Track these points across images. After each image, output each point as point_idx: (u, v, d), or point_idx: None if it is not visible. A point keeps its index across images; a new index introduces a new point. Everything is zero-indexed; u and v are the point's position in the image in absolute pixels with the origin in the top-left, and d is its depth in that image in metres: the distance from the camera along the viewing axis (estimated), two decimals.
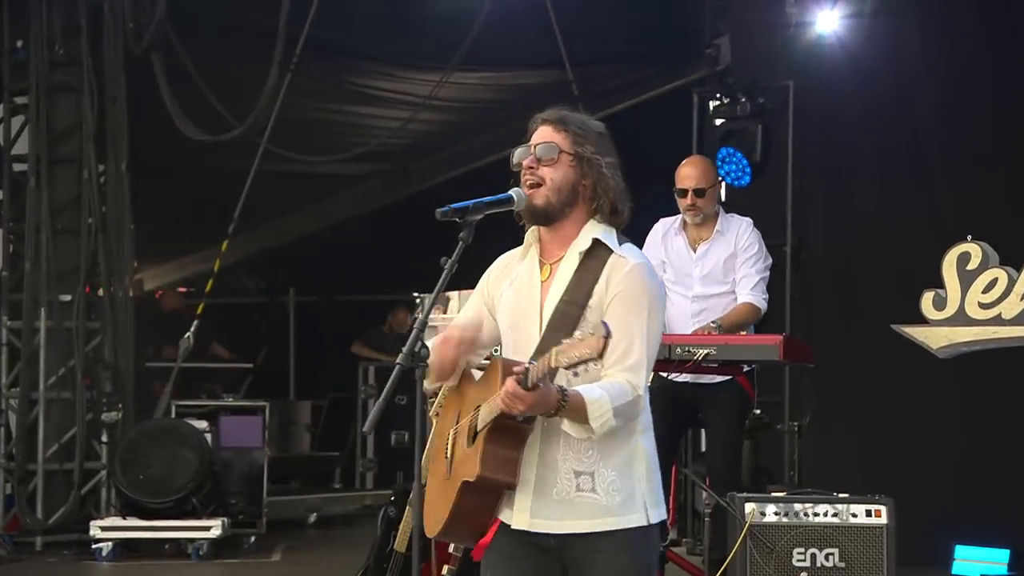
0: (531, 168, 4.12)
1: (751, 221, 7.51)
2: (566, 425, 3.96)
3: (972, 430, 8.99)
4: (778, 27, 9.88)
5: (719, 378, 7.24)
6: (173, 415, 10.94)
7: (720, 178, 8.12)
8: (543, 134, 4.15)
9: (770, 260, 7.51)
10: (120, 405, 10.58)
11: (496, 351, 4.37)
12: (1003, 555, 8.43)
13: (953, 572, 8.53)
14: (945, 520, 8.65)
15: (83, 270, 10.61)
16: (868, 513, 6.43)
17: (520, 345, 4.09)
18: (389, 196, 14.40)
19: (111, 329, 10.65)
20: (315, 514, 12.30)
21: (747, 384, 7.32)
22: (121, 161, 10.65)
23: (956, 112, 9.24)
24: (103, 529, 10.08)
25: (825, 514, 6.42)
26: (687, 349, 6.79)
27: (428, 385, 4.26)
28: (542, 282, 4.13)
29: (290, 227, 15.23)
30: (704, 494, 7.86)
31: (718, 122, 9.90)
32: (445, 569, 6.88)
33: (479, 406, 4.03)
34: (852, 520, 6.42)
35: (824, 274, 9.90)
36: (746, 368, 7.26)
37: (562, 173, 4.10)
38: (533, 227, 4.19)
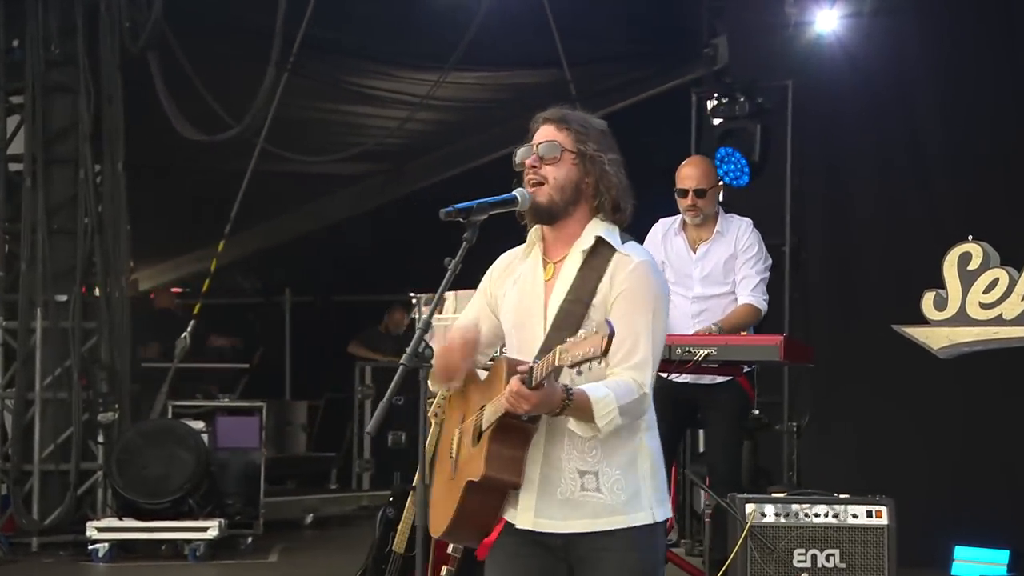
0: (534, 167, 4.11)
1: (751, 222, 7.50)
2: (572, 424, 3.95)
3: (971, 430, 8.98)
4: (777, 27, 9.87)
5: (719, 379, 7.23)
6: (170, 415, 10.91)
7: (719, 178, 8.08)
8: (545, 133, 4.15)
9: (770, 261, 7.50)
10: (116, 405, 10.55)
11: (500, 351, 4.35)
12: (1002, 556, 8.42)
13: (952, 573, 8.51)
14: (944, 520, 8.64)
15: (79, 270, 10.59)
16: (869, 514, 6.43)
17: (524, 345, 4.08)
18: (385, 196, 14.40)
19: (107, 329, 10.62)
20: (312, 515, 12.28)
21: (747, 385, 7.32)
22: (117, 161, 10.62)
23: (956, 112, 9.22)
24: (99, 530, 10.05)
25: (826, 515, 6.42)
26: (687, 349, 6.77)
27: (432, 387, 4.23)
28: (546, 281, 4.13)
29: (286, 227, 15.22)
30: (703, 494, 7.85)
31: (716, 122, 9.89)
32: (444, 570, 6.87)
33: (484, 406, 4.03)
34: (853, 521, 6.42)
35: (823, 274, 9.89)
36: (746, 369, 7.25)
37: (565, 171, 4.10)
38: (536, 226, 4.18)
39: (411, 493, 7.29)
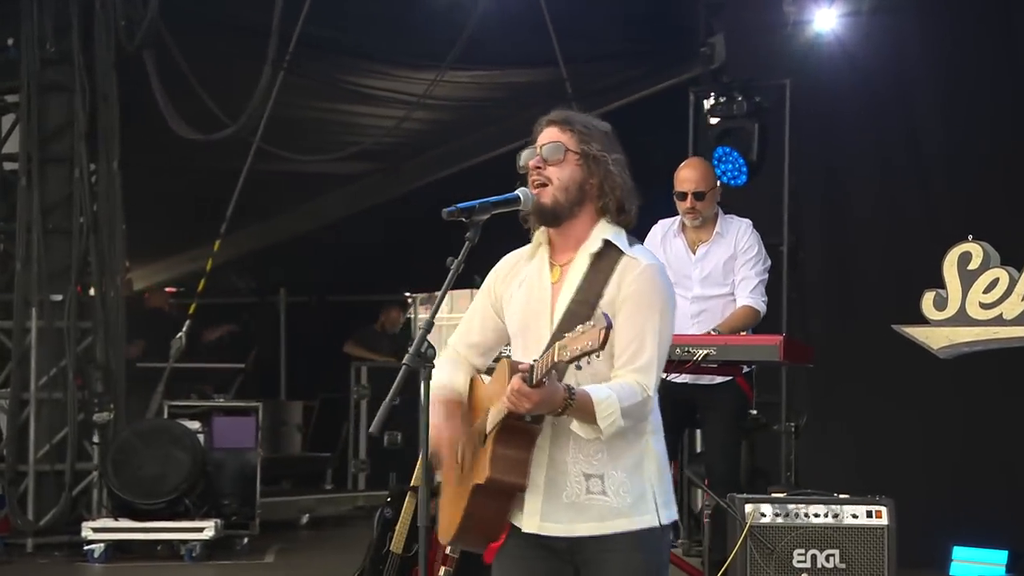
0: (538, 168, 4.10)
1: (751, 223, 7.50)
2: (575, 425, 3.94)
3: (969, 430, 8.96)
4: (775, 25, 9.86)
5: (718, 379, 7.22)
6: (165, 415, 10.88)
7: (718, 180, 8.06)
8: (549, 134, 4.14)
9: (769, 262, 7.51)
10: (112, 405, 10.52)
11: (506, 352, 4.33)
12: (1001, 556, 8.40)
13: (950, 573, 8.50)
14: (943, 521, 8.62)
15: (74, 270, 10.56)
16: (869, 514, 6.43)
17: (530, 347, 4.05)
18: (381, 195, 14.36)
19: (102, 329, 10.59)
20: (308, 515, 12.25)
21: (745, 385, 7.32)
22: (113, 160, 10.59)
23: (955, 111, 9.21)
24: (95, 530, 10.02)
25: (825, 515, 6.42)
26: (687, 350, 6.75)
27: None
28: (552, 283, 4.11)
29: (281, 226, 15.18)
30: (700, 495, 7.84)
31: (714, 121, 9.87)
32: (442, 571, 6.87)
33: (488, 409, 4.02)
34: (853, 521, 6.41)
35: (821, 274, 9.87)
36: (745, 369, 7.24)
37: (569, 172, 4.09)
38: (542, 228, 4.16)
39: (409, 494, 7.29)
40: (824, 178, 9.90)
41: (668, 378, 6.92)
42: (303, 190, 14.04)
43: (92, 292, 10.69)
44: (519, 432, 3.94)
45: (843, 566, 6.37)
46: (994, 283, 6.67)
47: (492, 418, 3.97)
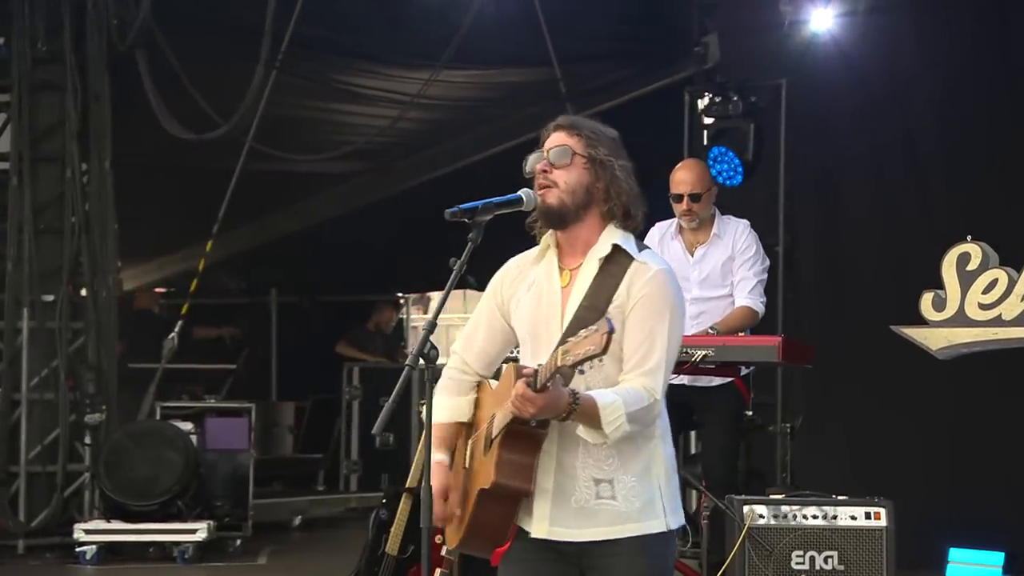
0: (544, 172, 4.11)
1: (748, 223, 7.50)
2: (580, 430, 3.95)
3: (966, 431, 8.95)
4: (771, 25, 9.85)
5: (716, 381, 7.23)
6: (157, 417, 10.84)
7: (714, 181, 8.02)
8: (556, 139, 4.16)
9: (768, 262, 7.52)
10: (104, 407, 10.48)
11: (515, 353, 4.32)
12: (997, 557, 8.37)
13: (947, 575, 8.47)
14: (940, 522, 8.59)
15: (66, 270, 10.53)
16: (867, 516, 6.45)
17: (540, 351, 4.05)
18: (372, 195, 14.33)
19: (94, 330, 10.55)
20: (300, 517, 12.22)
21: (743, 386, 7.31)
22: (105, 159, 10.57)
23: (952, 111, 9.20)
24: (87, 532, 9.98)
25: (824, 517, 6.42)
26: (685, 350, 6.71)
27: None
28: (562, 288, 4.11)
29: (272, 226, 15.15)
30: (695, 497, 7.82)
31: (709, 121, 9.86)
32: (438, 572, 6.84)
33: (494, 414, 4.02)
34: (851, 523, 6.41)
35: (816, 274, 9.86)
36: (743, 371, 7.22)
37: (576, 175, 4.10)
38: (549, 231, 4.17)
39: (404, 495, 7.27)
40: (820, 178, 9.89)
41: None
42: (296, 190, 14.01)
43: (84, 292, 10.64)
44: (524, 437, 3.93)
45: (841, 568, 6.39)
46: (993, 284, 6.66)
47: (498, 423, 3.96)
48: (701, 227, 7.44)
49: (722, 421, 7.29)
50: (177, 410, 11.02)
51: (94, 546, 9.93)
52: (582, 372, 3.81)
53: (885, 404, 9.21)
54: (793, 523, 6.39)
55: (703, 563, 7.00)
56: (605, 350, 3.63)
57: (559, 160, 4.10)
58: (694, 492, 7.75)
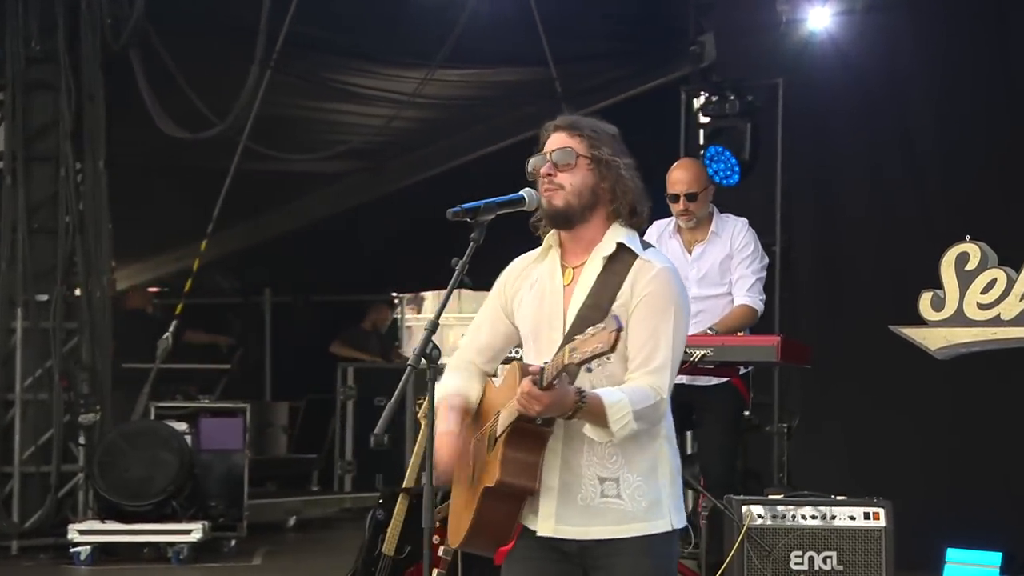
0: (549, 175, 4.10)
1: (746, 221, 7.49)
2: (587, 429, 3.94)
3: (964, 431, 8.94)
4: (767, 24, 9.85)
5: (715, 380, 7.21)
6: (152, 417, 10.81)
7: (710, 180, 8.01)
8: (558, 140, 4.14)
9: (766, 260, 7.51)
10: (98, 407, 10.45)
11: (518, 354, 4.31)
12: (995, 558, 8.35)
13: (944, 575, 8.46)
14: (937, 522, 8.57)
15: (60, 270, 10.50)
16: (866, 516, 6.44)
17: (543, 350, 4.05)
18: (367, 195, 14.30)
19: (88, 330, 10.52)
20: (294, 517, 12.19)
21: (742, 386, 7.30)
22: (99, 159, 10.55)
23: (949, 110, 9.19)
24: (81, 532, 9.95)
25: (823, 517, 6.41)
26: (684, 350, 6.68)
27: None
28: (565, 286, 4.11)
29: (266, 226, 15.11)
30: (692, 497, 7.80)
31: (705, 120, 9.87)
32: (435, 573, 6.85)
33: (499, 412, 4.00)
34: (850, 523, 6.41)
35: (813, 274, 9.86)
36: (743, 370, 7.20)
37: (580, 177, 4.09)
38: (552, 230, 4.17)
39: (400, 496, 7.25)
40: (817, 177, 9.88)
41: None
42: (290, 189, 13.98)
43: (78, 292, 10.61)
44: (530, 435, 3.93)
45: (840, 568, 6.39)
46: (992, 283, 6.65)
47: (503, 421, 3.95)
48: (699, 225, 7.43)
49: (721, 421, 7.28)
50: (172, 410, 11.01)
51: (88, 547, 9.90)
52: (589, 370, 3.81)
53: (882, 404, 9.20)
54: (792, 523, 6.39)
55: (701, 563, 6.99)
56: (613, 348, 3.63)
57: (562, 161, 4.09)
58: (691, 492, 7.73)
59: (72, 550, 9.90)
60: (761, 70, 9.76)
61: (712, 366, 6.87)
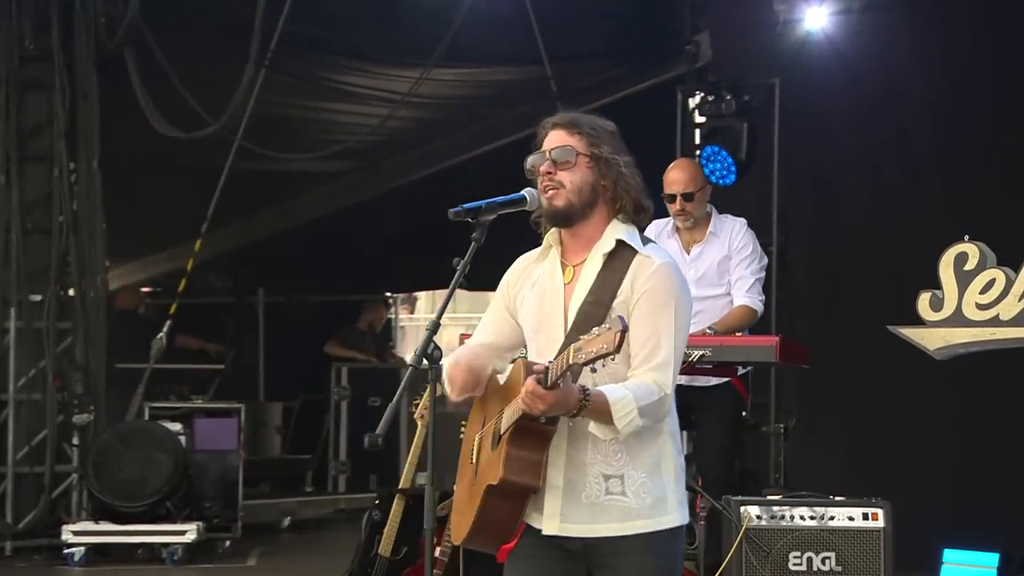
0: (548, 174, 4.08)
1: (745, 222, 7.49)
2: (592, 426, 3.94)
3: (962, 431, 8.92)
4: (764, 24, 9.85)
5: (714, 381, 7.21)
6: (146, 417, 10.78)
7: (707, 179, 7.99)
8: (556, 138, 4.12)
9: (765, 260, 7.51)
10: (92, 407, 10.41)
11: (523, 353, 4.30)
12: (992, 559, 8.34)
13: None
14: (934, 523, 8.57)
15: (54, 269, 10.46)
16: (865, 516, 6.44)
17: (545, 348, 4.05)
18: (361, 194, 14.28)
19: (82, 330, 10.48)
20: (289, 518, 12.17)
21: (741, 387, 7.30)
22: (93, 158, 10.51)
23: (947, 109, 9.18)
24: (75, 533, 9.90)
25: (821, 517, 6.42)
26: None
27: (453, 398, 4.19)
28: (565, 284, 4.11)
29: (259, 225, 15.08)
30: (690, 497, 7.79)
31: (701, 119, 9.87)
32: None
33: (503, 410, 4.00)
34: (849, 524, 6.41)
35: (810, 274, 9.85)
36: (741, 371, 7.19)
37: (580, 175, 4.08)
38: (553, 229, 4.16)
39: (397, 496, 7.24)
40: (814, 177, 9.88)
41: None
42: (284, 189, 13.95)
43: (72, 292, 10.57)
44: (533, 433, 3.93)
45: (839, 569, 6.39)
46: (991, 284, 6.64)
47: (507, 419, 3.95)
48: (697, 226, 7.42)
49: (720, 421, 7.27)
50: (166, 411, 10.97)
51: (82, 548, 9.86)
52: (594, 371, 3.80)
53: (879, 404, 9.19)
54: (790, 524, 6.39)
55: (700, 564, 6.98)
56: (618, 349, 3.63)
57: (562, 159, 4.07)
58: (689, 493, 7.70)
59: (66, 551, 9.86)
60: (758, 69, 9.76)
61: (710, 366, 6.85)
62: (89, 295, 10.54)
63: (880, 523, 6.39)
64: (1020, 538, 8.15)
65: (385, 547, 7.18)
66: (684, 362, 6.55)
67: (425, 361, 3.99)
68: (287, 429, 14.75)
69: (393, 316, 15.28)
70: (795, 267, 9.74)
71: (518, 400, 3.83)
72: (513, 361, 4.20)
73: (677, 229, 7.46)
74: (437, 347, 3.99)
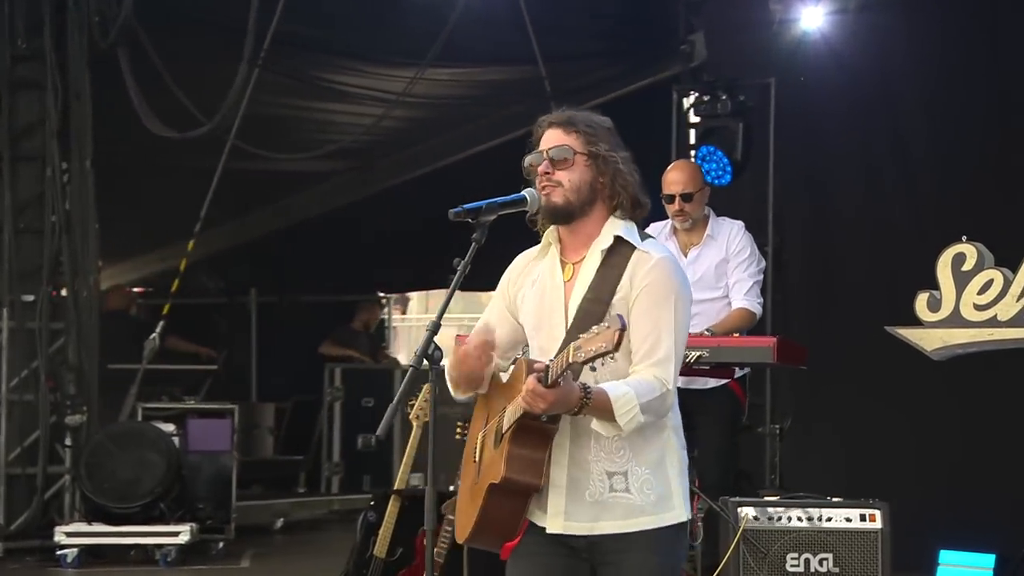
0: (547, 173, 4.08)
1: (743, 224, 7.49)
2: (594, 424, 3.94)
3: (957, 432, 8.92)
4: (760, 24, 9.86)
5: (711, 383, 7.19)
6: (139, 418, 10.75)
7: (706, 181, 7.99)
8: (553, 137, 4.12)
9: (763, 263, 7.51)
10: (84, 408, 10.38)
11: (525, 352, 4.29)
12: (988, 560, 8.33)
13: None
14: (931, 524, 8.57)
15: (46, 270, 10.41)
16: (862, 518, 6.43)
17: (546, 346, 4.06)
18: (354, 194, 14.25)
19: (75, 330, 10.45)
20: (282, 519, 12.13)
21: (739, 390, 7.28)
22: (85, 158, 10.46)
23: (943, 110, 9.18)
24: (68, 535, 9.86)
25: (819, 519, 6.41)
26: None
27: (456, 396, 4.18)
28: (565, 282, 4.11)
29: (252, 225, 15.05)
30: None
31: (696, 119, 9.86)
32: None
33: (505, 408, 4.00)
34: (846, 525, 6.40)
35: (807, 275, 9.86)
36: (738, 373, 7.17)
37: (579, 174, 4.08)
38: (552, 227, 4.16)
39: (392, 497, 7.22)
40: (809, 178, 9.88)
41: None
42: (278, 189, 13.92)
43: (64, 293, 10.54)
44: (535, 432, 3.93)
45: (836, 570, 6.39)
46: (988, 284, 6.64)
47: (508, 418, 3.95)
48: (695, 228, 7.41)
49: (718, 424, 7.26)
50: (159, 411, 10.93)
51: (75, 549, 9.82)
52: (593, 369, 3.80)
53: (875, 405, 9.19)
54: (788, 525, 6.38)
55: (697, 566, 6.97)
56: (617, 348, 3.63)
57: (560, 159, 4.07)
58: None
59: (59, 552, 9.82)
60: (753, 69, 9.76)
61: (708, 367, 6.84)
62: (82, 295, 10.50)
63: (878, 524, 6.38)
64: (1016, 539, 8.11)
65: (380, 548, 7.17)
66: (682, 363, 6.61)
67: (425, 362, 3.97)
68: (279, 430, 14.71)
69: (386, 316, 15.23)
70: (791, 267, 9.75)
71: (519, 399, 3.84)
72: (514, 360, 4.19)
73: (675, 231, 7.45)
74: (437, 347, 3.98)
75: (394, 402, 4.02)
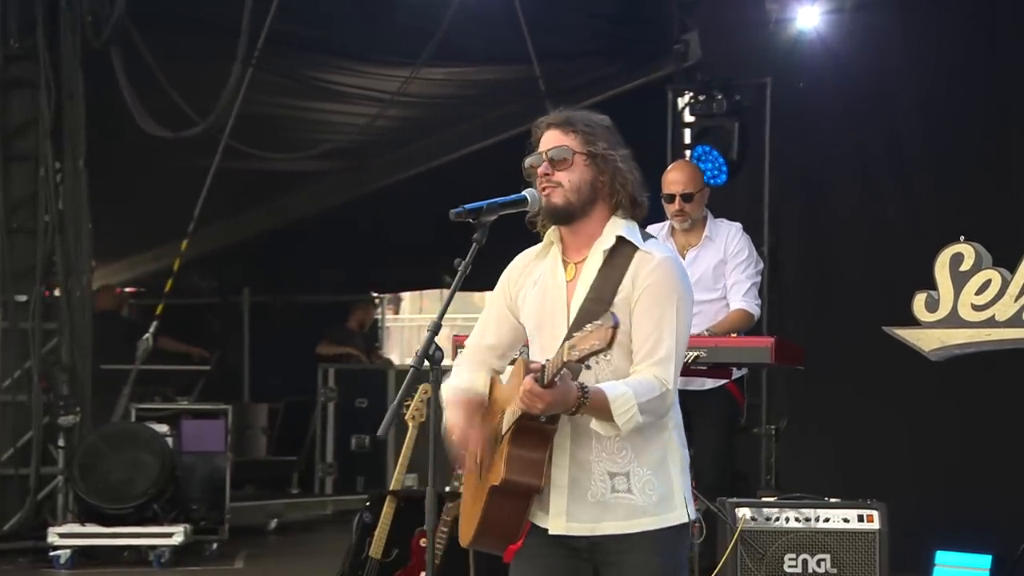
0: (547, 175, 4.08)
1: (740, 226, 7.50)
2: (594, 424, 3.93)
3: (954, 432, 8.91)
4: (755, 23, 9.85)
5: (709, 384, 7.19)
6: (132, 419, 10.72)
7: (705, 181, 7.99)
8: (552, 138, 4.12)
9: (761, 265, 7.53)
10: (78, 408, 10.35)
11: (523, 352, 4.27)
12: (985, 561, 8.32)
13: None
14: (926, 524, 8.55)
15: (39, 270, 10.41)
16: (860, 518, 6.43)
17: (548, 346, 4.04)
18: (348, 194, 14.24)
19: (68, 330, 10.42)
20: (276, 520, 12.11)
21: (737, 392, 7.28)
22: (79, 158, 10.46)
23: (939, 110, 9.18)
24: (61, 536, 9.84)
25: (817, 519, 6.42)
26: None
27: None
28: (568, 282, 4.10)
29: (245, 225, 15.03)
30: None
31: (690, 119, 9.86)
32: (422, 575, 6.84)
33: (505, 410, 4.00)
34: (844, 525, 6.40)
35: (802, 275, 9.85)
36: (736, 374, 7.16)
37: (579, 174, 4.08)
38: (553, 227, 4.15)
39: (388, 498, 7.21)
40: (805, 177, 9.87)
41: None
42: (272, 188, 13.90)
43: (57, 293, 10.51)
44: (534, 433, 3.92)
45: (834, 571, 6.40)
46: (986, 284, 6.65)
47: (507, 419, 3.95)
48: (693, 229, 7.41)
49: (715, 425, 7.26)
50: (152, 412, 10.91)
51: (68, 550, 9.80)
52: (588, 367, 3.80)
53: (872, 405, 9.18)
54: (786, 526, 6.39)
55: (694, 567, 6.94)
56: (610, 345, 3.62)
57: (559, 159, 4.07)
58: None
59: (52, 553, 9.79)
60: (749, 69, 9.75)
61: (706, 367, 6.83)
62: (75, 295, 10.49)
63: (876, 525, 6.39)
64: (1013, 540, 8.10)
65: (376, 549, 7.17)
66: None
67: (426, 362, 3.97)
68: (272, 431, 14.69)
69: (380, 316, 15.19)
70: (787, 267, 9.74)
71: (517, 400, 3.83)
72: (512, 361, 4.18)
73: (673, 232, 7.44)
74: (438, 348, 3.99)
75: (395, 402, 4.01)
